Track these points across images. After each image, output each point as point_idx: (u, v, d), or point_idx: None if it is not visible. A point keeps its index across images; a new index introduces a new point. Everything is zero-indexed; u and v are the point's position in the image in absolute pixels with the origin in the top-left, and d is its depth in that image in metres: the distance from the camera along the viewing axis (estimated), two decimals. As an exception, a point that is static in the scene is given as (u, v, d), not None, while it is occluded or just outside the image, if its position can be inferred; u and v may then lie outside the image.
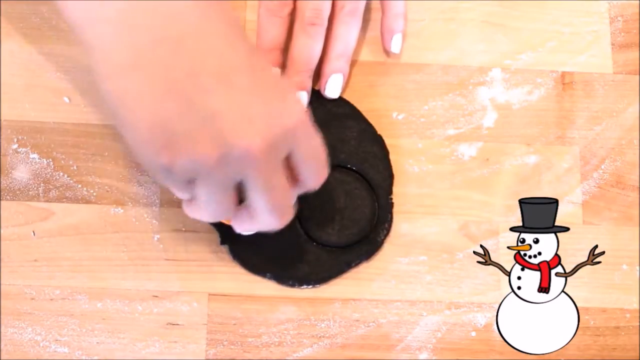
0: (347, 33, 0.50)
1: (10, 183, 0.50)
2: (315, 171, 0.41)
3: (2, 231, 0.49)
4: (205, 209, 0.40)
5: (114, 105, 0.37)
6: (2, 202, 0.49)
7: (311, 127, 0.40)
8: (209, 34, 0.37)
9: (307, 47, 0.49)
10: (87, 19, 0.36)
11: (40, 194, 0.49)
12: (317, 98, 0.51)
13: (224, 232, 0.48)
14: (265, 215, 0.40)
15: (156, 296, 0.48)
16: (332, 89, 0.50)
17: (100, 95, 0.38)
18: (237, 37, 0.38)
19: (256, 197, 0.39)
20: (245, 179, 0.38)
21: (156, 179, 0.42)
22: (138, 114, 0.36)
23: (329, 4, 0.49)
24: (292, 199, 0.42)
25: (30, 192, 0.49)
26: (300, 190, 0.42)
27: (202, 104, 0.36)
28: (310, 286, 0.48)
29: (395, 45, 0.52)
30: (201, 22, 0.36)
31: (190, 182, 0.38)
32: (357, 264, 0.49)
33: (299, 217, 0.49)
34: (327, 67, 0.50)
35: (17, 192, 0.49)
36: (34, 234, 0.49)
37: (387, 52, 0.53)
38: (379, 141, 0.51)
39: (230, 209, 0.40)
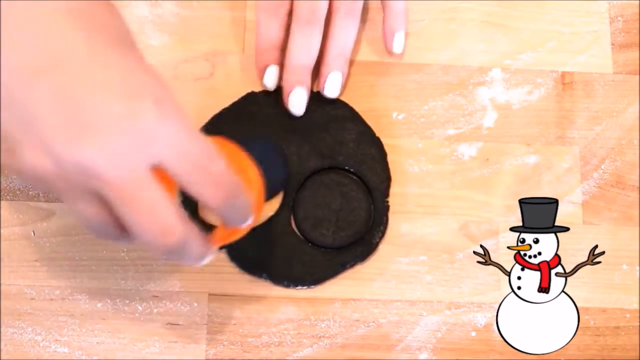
0: (344, 34, 0.50)
1: (10, 183, 0.50)
2: (205, 184, 0.34)
3: (2, 231, 0.49)
4: (84, 224, 0.34)
5: None
6: (2, 202, 0.49)
7: (183, 129, 0.33)
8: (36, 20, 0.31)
9: (304, 45, 0.49)
10: None
11: (40, 194, 0.49)
12: (315, 100, 0.51)
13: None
14: (142, 237, 0.33)
15: (156, 296, 0.48)
16: (331, 88, 0.50)
17: None
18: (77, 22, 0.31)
19: (121, 215, 0.33)
20: (101, 195, 0.32)
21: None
22: None
23: (325, 4, 0.49)
24: (170, 219, 0.34)
25: (30, 192, 0.49)
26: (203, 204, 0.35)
27: (21, 103, 0.30)
28: (306, 287, 0.48)
29: (397, 45, 0.52)
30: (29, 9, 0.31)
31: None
32: (352, 265, 0.49)
33: (294, 218, 0.49)
34: (325, 67, 0.50)
35: (17, 192, 0.49)
36: (34, 234, 0.49)
37: (387, 52, 0.53)
38: (377, 143, 0.51)
39: (108, 225, 0.34)
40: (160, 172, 0.33)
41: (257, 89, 0.51)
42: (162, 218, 0.33)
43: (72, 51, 0.31)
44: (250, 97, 0.51)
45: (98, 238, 0.36)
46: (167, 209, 0.33)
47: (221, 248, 0.48)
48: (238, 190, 0.36)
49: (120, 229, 0.34)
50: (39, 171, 0.32)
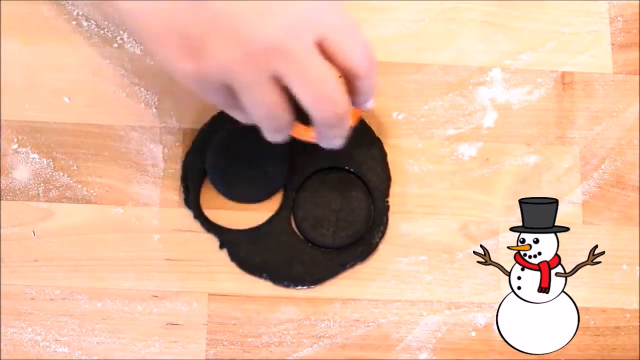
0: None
1: (10, 183, 0.50)
2: (357, 53, 0.39)
3: (2, 231, 0.49)
4: (258, 116, 0.39)
5: (133, 23, 0.37)
6: (2, 202, 0.49)
7: (338, 6, 0.38)
8: None
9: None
10: None
11: (40, 194, 0.49)
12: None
13: (223, 236, 0.49)
14: (315, 110, 0.38)
15: (156, 296, 0.48)
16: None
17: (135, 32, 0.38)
18: None
19: (300, 91, 0.37)
20: (280, 74, 0.37)
21: (200, 94, 0.40)
22: (153, 23, 0.37)
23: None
24: (340, 87, 0.38)
25: (30, 192, 0.49)
26: (350, 77, 0.40)
27: (209, 2, 0.35)
28: (306, 287, 0.48)
29: (369, 105, 0.46)
30: None
31: (231, 91, 0.38)
32: (352, 266, 0.49)
33: (294, 218, 0.49)
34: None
35: (17, 192, 0.49)
36: (34, 234, 0.49)
37: (387, 52, 0.53)
38: (377, 143, 0.51)
39: (284, 109, 0.39)
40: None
41: (257, 89, 0.51)
42: (334, 88, 0.38)
43: None
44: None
45: (271, 129, 0.40)
46: (336, 80, 0.38)
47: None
48: (375, 62, 0.41)
49: (291, 116, 0.39)
50: (227, 63, 0.36)
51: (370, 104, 0.43)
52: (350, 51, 0.38)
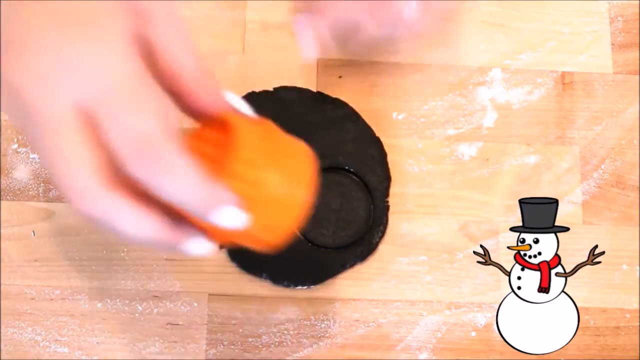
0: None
1: (10, 183, 0.50)
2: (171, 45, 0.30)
3: (2, 231, 0.49)
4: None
5: None
6: (2, 202, 0.49)
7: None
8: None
9: None
10: None
11: (40, 194, 0.49)
12: (315, 101, 0.51)
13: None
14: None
15: (156, 296, 0.48)
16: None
17: None
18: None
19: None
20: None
21: None
22: None
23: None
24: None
25: (30, 192, 0.49)
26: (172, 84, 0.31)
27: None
28: (305, 287, 0.48)
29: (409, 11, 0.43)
30: None
31: None
32: (351, 266, 0.49)
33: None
34: None
35: (17, 192, 0.49)
36: (34, 234, 0.49)
37: (387, 52, 0.53)
38: (377, 143, 0.51)
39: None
40: None
41: (257, 89, 0.51)
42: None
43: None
44: (250, 97, 0.51)
45: None
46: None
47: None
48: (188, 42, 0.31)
49: None
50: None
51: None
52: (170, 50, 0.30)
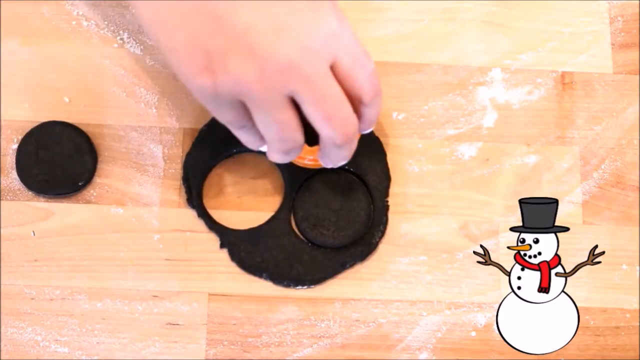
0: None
1: (10, 183, 0.50)
2: (366, 79, 0.40)
3: (2, 231, 0.49)
4: (270, 135, 0.39)
5: (154, 33, 0.38)
6: (2, 202, 0.49)
7: (351, 35, 0.39)
8: None
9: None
10: None
11: (40, 194, 0.49)
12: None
13: (224, 236, 0.49)
14: (326, 130, 0.39)
15: (156, 296, 0.48)
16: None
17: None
18: None
19: (311, 110, 0.38)
20: (294, 92, 0.37)
21: (213, 111, 0.40)
22: (174, 35, 0.37)
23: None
24: (351, 109, 0.39)
25: (30, 192, 0.49)
26: (355, 103, 0.40)
27: (230, 20, 0.36)
28: (306, 287, 0.48)
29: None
30: None
31: (244, 110, 0.38)
32: (351, 265, 0.49)
33: (294, 218, 0.49)
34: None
35: (17, 192, 0.49)
36: (34, 234, 0.49)
37: (387, 52, 0.53)
38: (377, 143, 0.51)
39: (296, 130, 0.39)
40: None
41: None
42: (346, 109, 0.39)
43: None
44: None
45: (281, 149, 0.41)
46: (347, 102, 0.39)
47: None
48: (380, 91, 0.41)
49: (303, 137, 0.40)
50: (243, 80, 0.36)
51: (368, 131, 0.44)
52: (360, 78, 0.39)
